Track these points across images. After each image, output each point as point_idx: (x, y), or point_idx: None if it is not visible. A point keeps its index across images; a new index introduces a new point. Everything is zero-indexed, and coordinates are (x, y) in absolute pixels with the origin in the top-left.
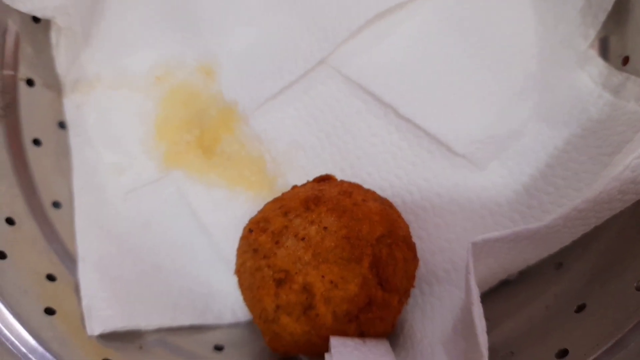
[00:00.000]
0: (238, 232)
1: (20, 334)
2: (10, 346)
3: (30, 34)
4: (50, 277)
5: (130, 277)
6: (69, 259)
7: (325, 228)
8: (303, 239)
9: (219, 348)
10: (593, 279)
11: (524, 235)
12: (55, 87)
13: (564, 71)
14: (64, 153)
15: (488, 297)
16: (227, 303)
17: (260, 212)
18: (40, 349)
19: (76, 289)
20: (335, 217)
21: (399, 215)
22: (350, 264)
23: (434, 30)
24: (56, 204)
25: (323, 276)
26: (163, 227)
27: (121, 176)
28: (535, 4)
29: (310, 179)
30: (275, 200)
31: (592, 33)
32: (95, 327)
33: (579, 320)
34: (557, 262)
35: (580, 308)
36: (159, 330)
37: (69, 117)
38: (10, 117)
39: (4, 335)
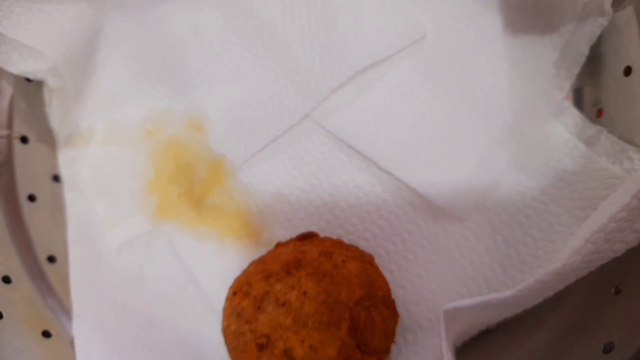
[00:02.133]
0: (228, 283)
1: None
2: None
3: (24, 93)
4: (46, 334)
5: (124, 331)
6: (65, 314)
7: (305, 293)
8: (283, 304)
9: None
10: (566, 334)
11: (494, 303)
12: (49, 142)
13: (540, 122)
14: (58, 206)
15: (469, 345)
16: (218, 353)
17: (244, 273)
18: None
19: (72, 344)
20: (315, 282)
21: (378, 274)
22: (329, 328)
23: (413, 84)
24: (51, 259)
25: (303, 341)
26: (155, 279)
27: (114, 229)
28: (511, 56)
29: (296, 230)
30: (259, 261)
31: (567, 84)
32: None
33: None
34: (533, 314)
35: None
36: None
37: (63, 171)
38: (4, 176)
39: None
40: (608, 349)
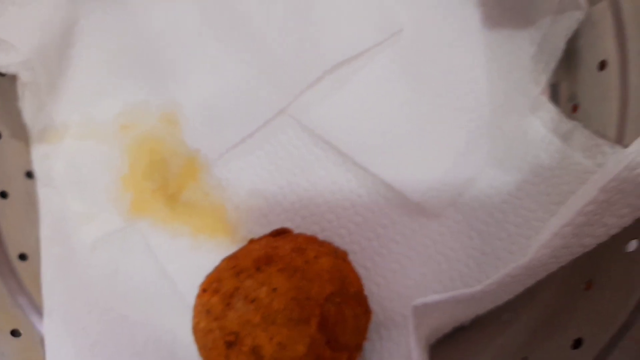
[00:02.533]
0: (201, 280)
1: None
2: None
3: None
4: (15, 333)
5: (96, 329)
6: (35, 312)
7: (274, 289)
8: (253, 301)
9: None
10: (537, 330)
11: (463, 298)
12: (23, 137)
13: (516, 117)
14: (32, 203)
15: (442, 342)
16: (192, 351)
17: (215, 269)
18: None
19: (42, 343)
20: (285, 278)
21: (351, 270)
22: (299, 325)
23: (390, 78)
24: (22, 256)
25: (271, 338)
26: (129, 276)
27: (88, 226)
28: (488, 50)
29: (272, 226)
30: (231, 257)
31: (544, 79)
32: None
33: None
34: (506, 310)
35: None
36: None
37: (37, 166)
38: None
39: None
40: (577, 344)
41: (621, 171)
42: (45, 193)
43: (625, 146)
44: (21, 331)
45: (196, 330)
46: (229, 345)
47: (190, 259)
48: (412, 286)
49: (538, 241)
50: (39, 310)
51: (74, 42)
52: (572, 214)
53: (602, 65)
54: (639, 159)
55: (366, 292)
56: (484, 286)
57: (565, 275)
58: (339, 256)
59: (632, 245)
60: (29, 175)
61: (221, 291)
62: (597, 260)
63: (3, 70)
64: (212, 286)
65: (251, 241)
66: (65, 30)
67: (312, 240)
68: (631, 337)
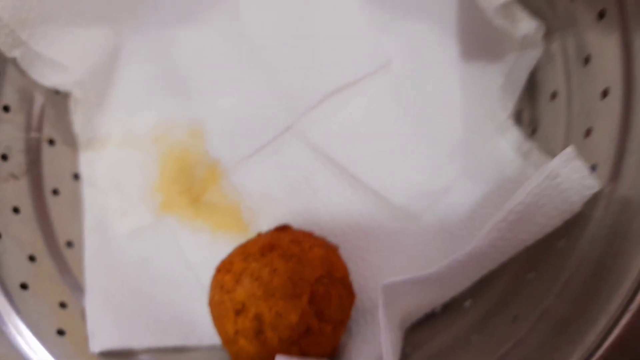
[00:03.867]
0: None
1: (38, 350)
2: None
3: (53, 102)
4: (63, 305)
5: (128, 306)
6: (79, 290)
7: (275, 270)
8: (257, 279)
9: None
10: (489, 311)
11: (423, 278)
12: (72, 144)
13: (486, 137)
14: (77, 200)
15: (417, 325)
16: (207, 329)
17: (228, 255)
18: None
19: (83, 315)
20: (284, 262)
21: (338, 260)
22: (293, 299)
23: (381, 102)
24: (70, 244)
25: (271, 308)
26: (157, 264)
27: (123, 220)
28: (463, 80)
29: (277, 224)
30: (241, 246)
31: (510, 106)
32: (97, 346)
33: (472, 349)
34: (468, 298)
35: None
36: (149, 350)
37: (83, 170)
38: (33, 172)
39: (24, 351)
40: (515, 319)
41: (543, 179)
42: (89, 192)
43: None
44: (67, 304)
45: (211, 302)
46: (237, 313)
47: (209, 250)
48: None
49: (480, 235)
50: (81, 288)
51: (118, 65)
52: (505, 212)
53: (554, 95)
54: (557, 170)
55: (355, 283)
56: (437, 268)
57: (514, 267)
58: (330, 249)
59: (562, 242)
60: (76, 176)
61: (232, 271)
62: (538, 254)
63: (60, 89)
64: (225, 267)
65: (259, 234)
66: (112, 55)
67: (308, 235)
68: (552, 313)
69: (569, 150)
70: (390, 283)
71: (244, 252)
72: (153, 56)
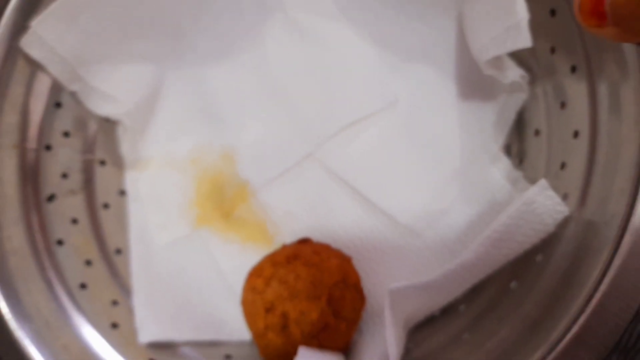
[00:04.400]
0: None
1: (97, 340)
2: (90, 348)
3: (104, 128)
4: (115, 302)
5: (169, 305)
6: (127, 290)
7: (298, 276)
8: (284, 282)
9: (228, 357)
10: (479, 314)
11: (423, 285)
12: (119, 165)
13: (480, 167)
14: (123, 214)
15: (418, 327)
16: (236, 326)
17: (258, 262)
18: (110, 350)
19: (132, 312)
20: (306, 269)
21: (352, 269)
22: (314, 300)
23: (389, 135)
24: (118, 251)
25: (295, 307)
26: (193, 269)
27: (164, 231)
28: (461, 117)
29: (298, 237)
30: (270, 255)
31: (501, 139)
32: (144, 338)
33: (463, 345)
34: (462, 302)
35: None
36: (187, 343)
37: (128, 187)
38: (88, 190)
39: (86, 341)
40: (499, 321)
41: (521, 205)
42: (134, 207)
43: None
44: (119, 302)
45: (244, 302)
46: (267, 310)
47: (239, 259)
48: None
49: (469, 249)
50: (129, 289)
51: (160, 96)
52: (489, 231)
53: (537, 132)
54: (533, 197)
55: (365, 289)
56: (435, 276)
57: (500, 277)
58: (345, 259)
59: (539, 257)
60: (122, 193)
61: (263, 276)
62: (519, 266)
63: (112, 117)
64: (256, 272)
65: (284, 246)
66: (155, 88)
67: (326, 247)
68: (528, 316)
69: (543, 182)
70: (395, 288)
71: (272, 260)
72: (190, 90)
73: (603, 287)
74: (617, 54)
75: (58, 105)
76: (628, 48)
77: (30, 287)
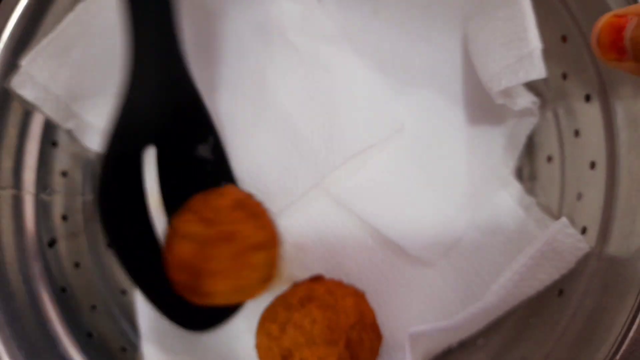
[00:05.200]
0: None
1: None
2: None
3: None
4: (123, 349)
5: (179, 346)
6: (136, 334)
7: (314, 320)
8: (300, 328)
9: None
10: (499, 351)
11: (444, 327)
12: None
13: (491, 192)
14: None
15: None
16: None
17: (271, 305)
18: None
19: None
20: (321, 312)
21: (367, 306)
22: (331, 345)
23: (397, 163)
24: (123, 292)
25: (313, 353)
26: None
27: None
28: (469, 141)
29: (307, 271)
30: (281, 296)
31: (512, 164)
32: None
33: None
34: (480, 336)
35: None
36: None
37: None
38: (90, 229)
39: None
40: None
41: (542, 245)
42: None
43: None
44: (127, 348)
45: (259, 347)
46: (284, 358)
47: None
48: (414, 319)
49: (490, 291)
50: (137, 332)
51: None
52: (511, 273)
53: (549, 158)
54: (554, 236)
55: (379, 322)
56: (456, 320)
57: (519, 311)
58: (359, 295)
59: (559, 293)
60: None
61: (277, 321)
62: (540, 302)
63: None
64: (270, 316)
65: (294, 284)
66: None
67: (339, 284)
68: (553, 356)
69: (564, 220)
70: (415, 332)
71: (285, 303)
72: None
73: (632, 334)
74: (634, 86)
75: (54, 144)
76: None
77: (37, 345)
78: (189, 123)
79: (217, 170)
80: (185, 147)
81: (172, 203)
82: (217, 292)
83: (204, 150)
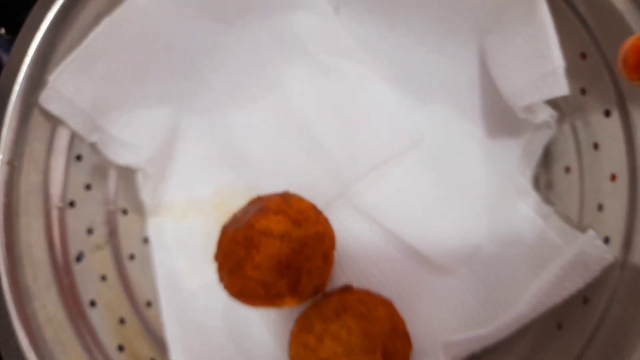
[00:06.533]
0: (284, 325)
1: None
2: None
3: (124, 177)
4: None
5: (206, 354)
6: (162, 344)
7: (350, 330)
8: (337, 338)
9: None
10: (525, 357)
11: (476, 337)
12: (140, 212)
13: (509, 201)
14: (148, 263)
15: None
16: None
17: (304, 316)
18: None
19: None
20: (357, 322)
21: (397, 315)
22: (368, 354)
23: (418, 173)
24: (149, 304)
25: None
26: (228, 314)
27: (192, 277)
28: (487, 152)
29: (335, 280)
30: (314, 305)
31: (529, 173)
32: None
33: None
34: (506, 342)
35: None
36: None
37: (151, 235)
38: (113, 241)
39: None
40: None
41: (572, 256)
42: (158, 254)
43: (582, 228)
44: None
45: (294, 358)
46: None
47: None
48: (437, 325)
49: (522, 301)
50: (163, 343)
51: (179, 139)
52: (542, 283)
53: (567, 169)
54: (583, 248)
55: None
56: (491, 329)
57: (545, 319)
58: (388, 305)
59: (584, 301)
60: (145, 241)
61: (314, 332)
62: (565, 309)
63: (133, 166)
64: (305, 327)
65: (325, 295)
66: (174, 131)
67: (368, 293)
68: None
69: (591, 233)
70: (450, 342)
71: (320, 314)
72: (210, 131)
73: None
74: None
75: (78, 158)
76: None
77: (70, 357)
78: None
79: None
80: None
81: None
82: (305, 292)
83: None
